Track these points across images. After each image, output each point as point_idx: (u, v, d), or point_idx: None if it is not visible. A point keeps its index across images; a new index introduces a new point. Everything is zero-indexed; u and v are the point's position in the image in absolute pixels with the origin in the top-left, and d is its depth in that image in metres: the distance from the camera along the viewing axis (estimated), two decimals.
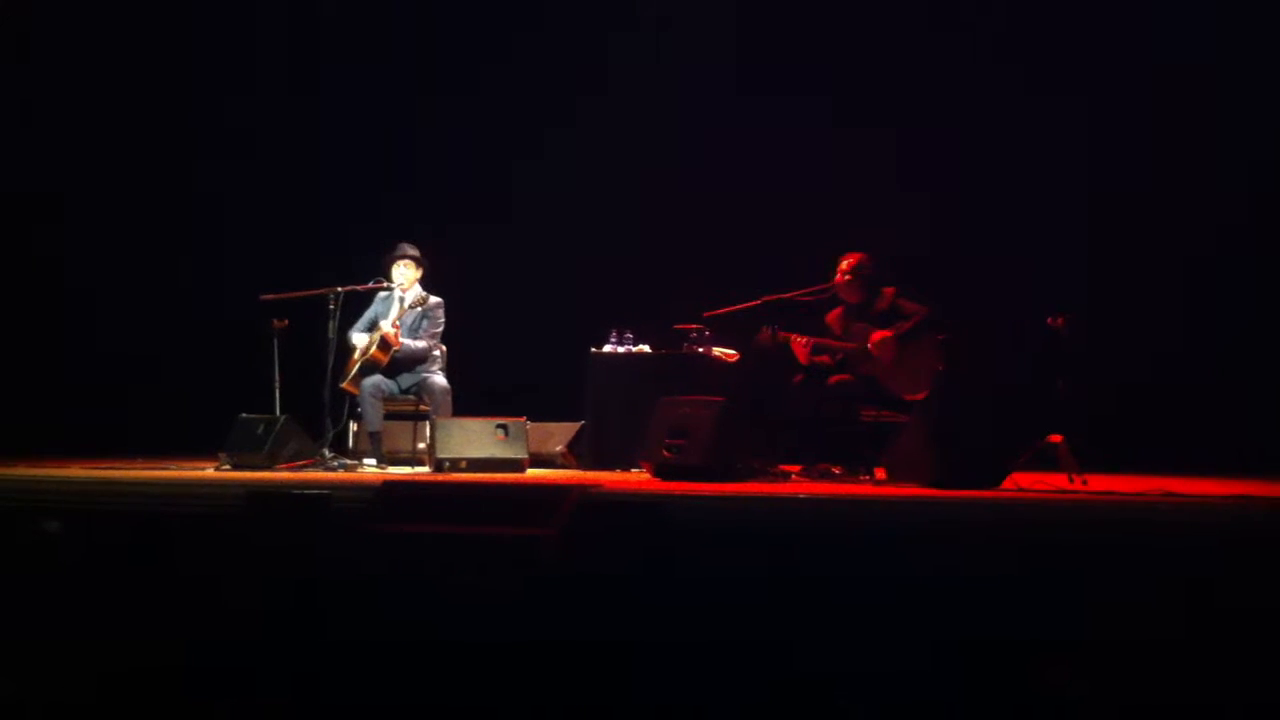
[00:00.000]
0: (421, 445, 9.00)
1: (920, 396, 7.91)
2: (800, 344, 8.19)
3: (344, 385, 8.78)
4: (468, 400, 9.00)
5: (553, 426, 9.58)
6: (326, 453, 8.58)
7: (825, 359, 8.24)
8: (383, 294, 9.01)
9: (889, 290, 8.27)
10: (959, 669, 3.20)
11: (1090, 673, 3.30)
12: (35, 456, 8.79)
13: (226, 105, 11.49)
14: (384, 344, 8.71)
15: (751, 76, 10.82)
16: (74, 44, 11.21)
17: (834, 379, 8.15)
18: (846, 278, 8.28)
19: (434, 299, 8.95)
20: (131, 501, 6.63)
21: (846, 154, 10.31)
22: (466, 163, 11.42)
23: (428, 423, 8.81)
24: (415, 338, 8.86)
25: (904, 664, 3.17)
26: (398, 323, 8.75)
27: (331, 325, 8.71)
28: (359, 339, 8.90)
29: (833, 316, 8.41)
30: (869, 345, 8.10)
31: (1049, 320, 7.70)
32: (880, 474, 7.90)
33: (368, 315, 9.02)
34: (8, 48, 10.95)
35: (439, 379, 8.87)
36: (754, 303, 8.41)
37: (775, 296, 8.34)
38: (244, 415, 8.73)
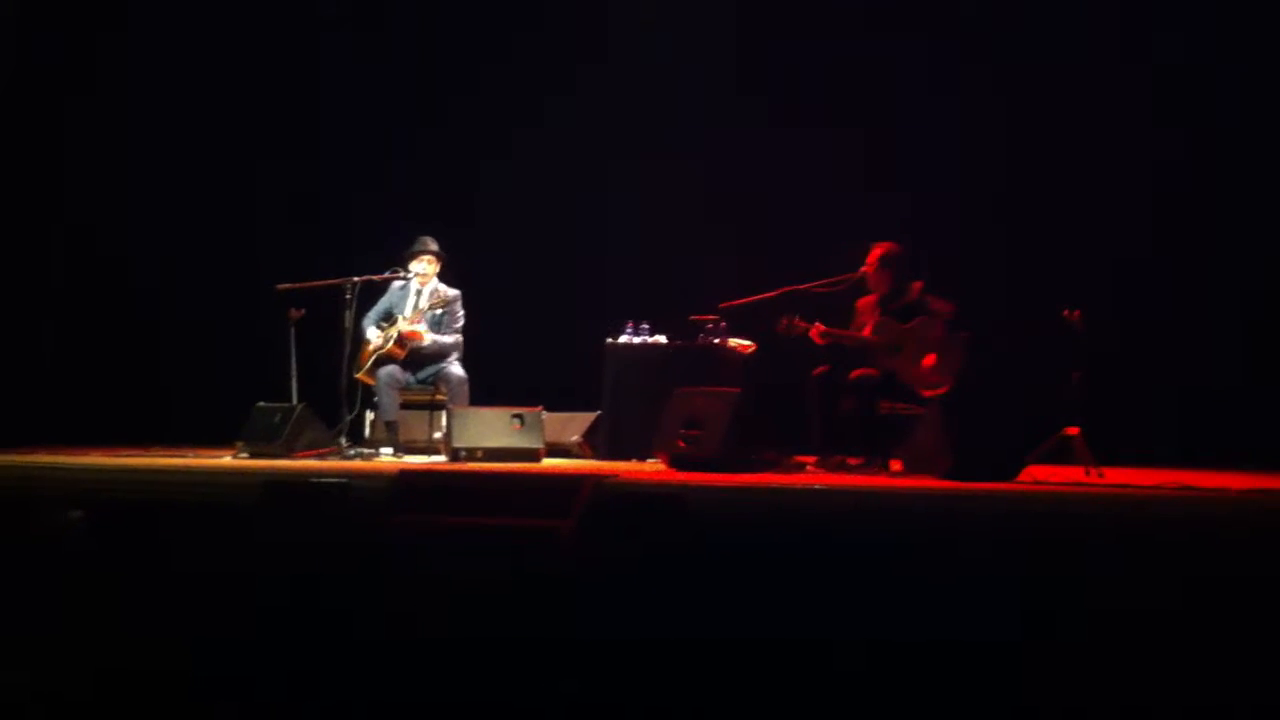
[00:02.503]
0: (438, 434, 9.01)
1: (938, 393, 7.88)
2: (815, 332, 8.18)
3: (359, 376, 8.80)
4: (484, 390, 9.01)
5: (568, 416, 9.58)
6: (343, 442, 8.59)
7: (845, 341, 8.23)
8: (398, 284, 9.02)
9: (917, 285, 8.22)
10: (969, 665, 3.19)
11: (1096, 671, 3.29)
12: (50, 445, 8.82)
13: (244, 97, 11.52)
14: (401, 340, 8.74)
15: (768, 72, 10.80)
16: (105, 43, 11.25)
17: (855, 373, 8.11)
18: (873, 266, 8.24)
19: (451, 292, 8.95)
20: (147, 490, 6.65)
21: (864, 148, 10.29)
22: (484, 153, 11.41)
23: (444, 412, 8.83)
24: (439, 334, 8.87)
25: (918, 659, 3.17)
26: (420, 317, 8.75)
27: (348, 315, 8.73)
28: (372, 333, 8.89)
29: (863, 303, 8.35)
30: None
31: (1064, 313, 7.68)
32: (896, 466, 7.90)
33: (382, 305, 9.03)
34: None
35: (456, 369, 8.88)
36: (771, 294, 8.40)
37: (793, 287, 8.34)
38: (261, 404, 8.76)
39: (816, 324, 8.16)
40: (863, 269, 8.28)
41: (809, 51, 10.69)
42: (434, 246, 8.99)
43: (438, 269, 9.00)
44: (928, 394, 7.93)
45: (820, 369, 8.21)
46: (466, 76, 11.53)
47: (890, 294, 8.24)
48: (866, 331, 8.16)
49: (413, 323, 8.76)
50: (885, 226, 8.94)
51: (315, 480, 5.71)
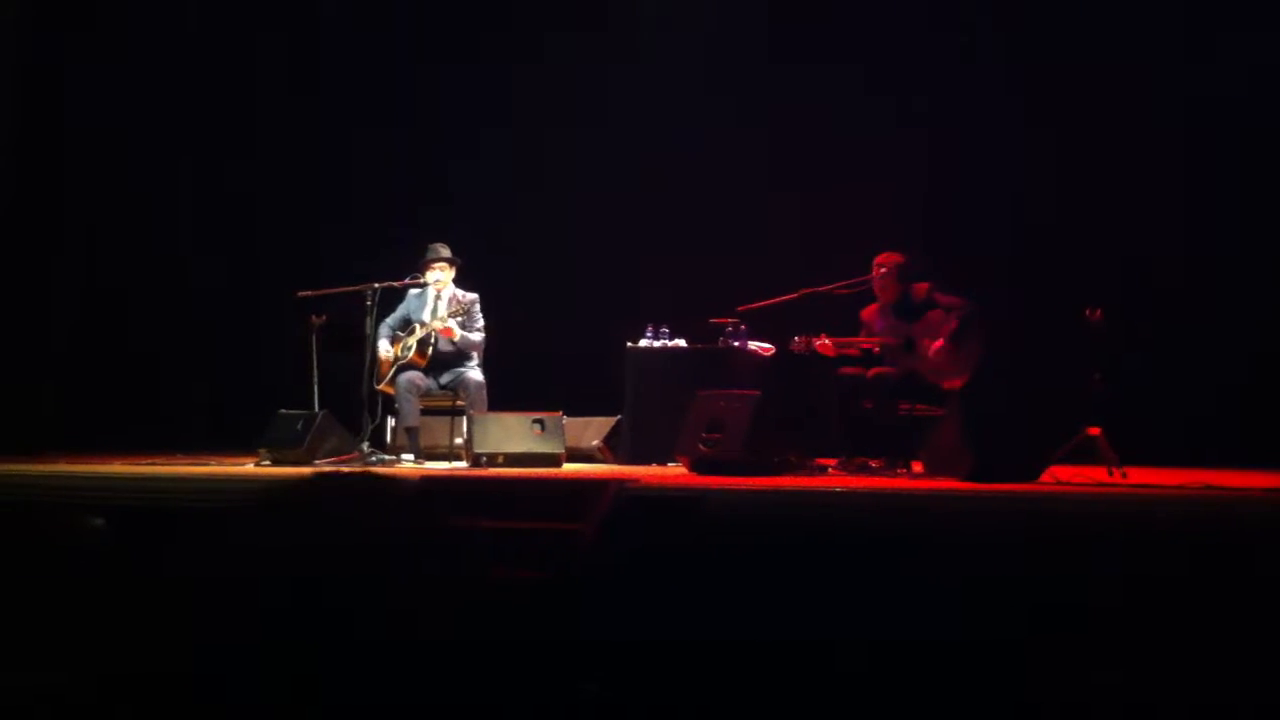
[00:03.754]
0: (459, 440, 9.02)
1: (958, 384, 7.88)
2: (825, 345, 8.19)
3: (381, 388, 8.82)
4: (503, 395, 9.02)
5: (589, 421, 9.59)
6: (365, 448, 8.60)
7: (851, 352, 8.26)
8: (415, 291, 9.04)
9: (924, 285, 8.24)
10: (991, 666, 3.18)
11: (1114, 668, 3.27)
12: (72, 453, 8.86)
13: (254, 102, 11.57)
14: (422, 347, 8.76)
15: (787, 72, 10.80)
16: (105, 37, 11.26)
17: (873, 371, 8.13)
18: (881, 275, 8.27)
19: (469, 295, 8.97)
20: (170, 498, 6.66)
21: (883, 147, 10.28)
22: (502, 158, 11.43)
23: (465, 418, 8.84)
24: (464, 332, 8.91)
25: (938, 660, 3.15)
26: (449, 326, 8.76)
27: (369, 321, 8.75)
28: (383, 346, 8.87)
29: (868, 313, 8.39)
30: (930, 357, 8.04)
31: (1086, 313, 7.65)
32: (918, 467, 7.88)
33: (400, 313, 9.05)
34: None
35: (475, 374, 8.89)
36: (790, 296, 8.40)
37: (812, 289, 8.34)
38: (283, 411, 8.77)
39: (822, 336, 8.17)
40: (869, 279, 8.30)
41: (821, 46, 10.69)
42: (446, 253, 9.00)
43: (453, 274, 9.02)
44: (947, 385, 7.92)
45: (841, 369, 8.22)
46: (484, 78, 11.55)
47: (897, 302, 8.27)
48: (931, 357, 8.14)
49: (444, 324, 8.78)
50: (905, 225, 8.94)
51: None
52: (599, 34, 11.21)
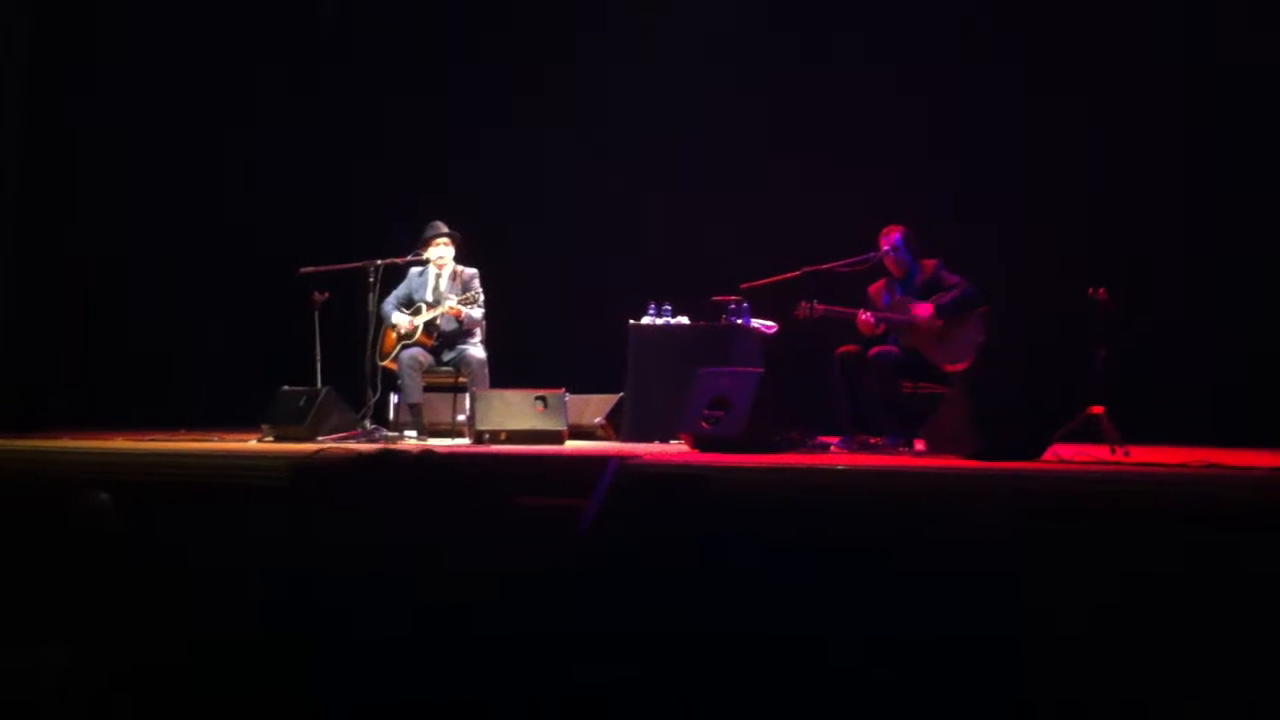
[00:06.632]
0: (461, 417, 9.03)
1: (960, 367, 7.89)
2: (863, 319, 8.18)
3: (385, 364, 8.83)
4: (506, 372, 9.03)
5: (591, 398, 9.59)
6: (368, 424, 8.62)
7: (883, 329, 8.27)
8: (417, 269, 9.05)
9: (931, 262, 8.27)
10: (997, 647, 3.18)
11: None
12: (76, 429, 8.86)
13: (261, 76, 11.56)
14: (429, 328, 8.78)
15: (788, 48, 10.78)
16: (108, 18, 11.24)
17: (874, 350, 8.14)
18: (889, 250, 8.27)
19: (468, 271, 8.98)
20: (174, 473, 6.68)
21: (886, 125, 10.27)
22: (503, 133, 11.41)
23: (467, 395, 8.85)
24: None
25: (943, 643, 3.16)
26: (456, 307, 8.78)
27: (371, 298, 8.76)
28: (398, 316, 8.91)
29: (874, 288, 8.41)
30: (914, 320, 8.09)
31: (1090, 291, 7.65)
32: (920, 445, 7.89)
33: (401, 290, 9.05)
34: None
35: (476, 351, 8.90)
36: (793, 274, 8.39)
37: (815, 268, 8.33)
38: (286, 388, 8.79)
39: (866, 314, 8.18)
40: (876, 253, 8.30)
41: (826, 29, 10.67)
42: (447, 230, 9.01)
43: (454, 251, 9.02)
44: (950, 368, 7.94)
45: (844, 348, 8.22)
46: (499, 53, 11.54)
47: (904, 276, 8.29)
48: (915, 321, 8.15)
49: (451, 310, 8.80)
50: (909, 205, 8.93)
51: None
52: (613, 17, 11.19)
